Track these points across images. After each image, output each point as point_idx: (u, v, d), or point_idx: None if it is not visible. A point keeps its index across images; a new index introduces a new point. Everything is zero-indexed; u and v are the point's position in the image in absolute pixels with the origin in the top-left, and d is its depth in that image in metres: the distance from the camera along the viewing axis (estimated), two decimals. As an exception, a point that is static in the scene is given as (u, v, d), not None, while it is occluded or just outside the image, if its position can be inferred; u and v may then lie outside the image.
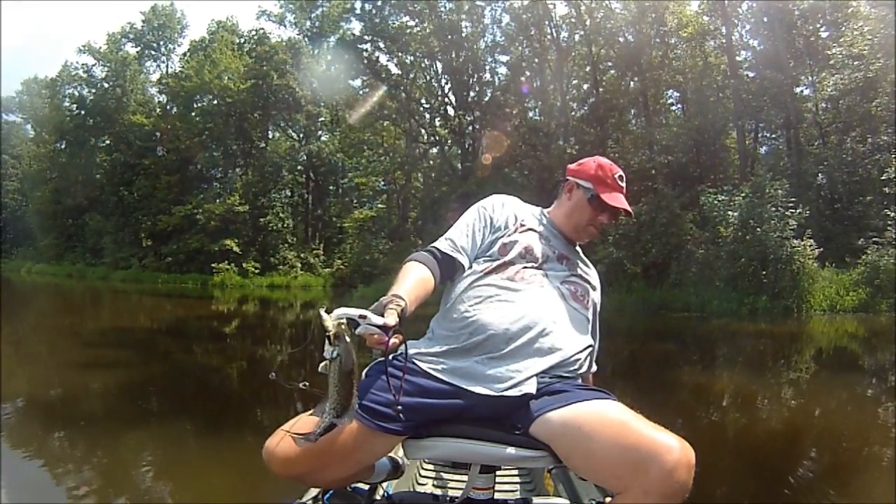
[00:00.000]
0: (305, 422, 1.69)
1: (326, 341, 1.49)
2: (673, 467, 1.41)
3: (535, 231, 2.03)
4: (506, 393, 1.65)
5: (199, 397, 7.95)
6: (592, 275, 2.10)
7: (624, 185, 2.06)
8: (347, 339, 1.48)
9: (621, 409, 1.59)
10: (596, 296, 2.06)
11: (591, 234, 2.12)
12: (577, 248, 2.14)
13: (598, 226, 2.08)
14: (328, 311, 1.52)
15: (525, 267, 1.91)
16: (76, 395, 7.68)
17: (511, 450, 1.64)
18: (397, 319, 1.55)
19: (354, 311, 1.52)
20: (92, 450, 5.42)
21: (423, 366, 1.72)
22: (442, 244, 1.95)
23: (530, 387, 1.66)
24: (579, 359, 1.82)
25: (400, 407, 1.59)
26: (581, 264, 2.08)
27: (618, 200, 2.03)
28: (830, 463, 5.03)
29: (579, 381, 1.82)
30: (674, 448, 1.42)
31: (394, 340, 1.53)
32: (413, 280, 1.76)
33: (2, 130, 54.56)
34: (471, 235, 1.99)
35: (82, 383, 8.19)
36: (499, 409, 1.66)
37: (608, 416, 1.56)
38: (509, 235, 2.00)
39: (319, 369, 1.51)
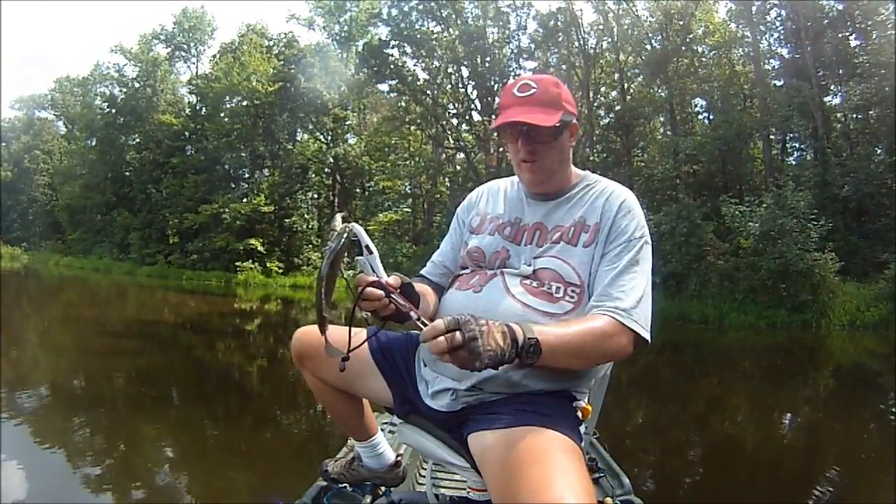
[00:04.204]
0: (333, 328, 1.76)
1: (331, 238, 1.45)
2: None
3: (498, 219, 1.79)
4: (427, 401, 1.69)
5: (213, 389, 8.15)
6: (582, 216, 1.69)
7: (531, 91, 1.65)
8: (341, 243, 1.42)
9: (542, 447, 1.36)
10: (596, 249, 1.64)
11: (528, 171, 1.72)
12: (569, 195, 1.75)
13: (527, 155, 1.68)
14: (345, 220, 1.47)
15: (474, 272, 1.75)
16: (97, 382, 7.93)
17: (452, 457, 1.66)
18: (399, 283, 1.51)
19: (367, 238, 1.49)
20: (106, 433, 5.62)
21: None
22: (431, 270, 1.92)
23: (451, 405, 1.62)
24: (517, 373, 1.55)
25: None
26: (569, 219, 1.70)
27: (508, 116, 1.64)
28: (833, 480, 5.06)
29: (539, 388, 1.56)
30: None
31: (380, 300, 1.44)
32: (421, 289, 1.70)
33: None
34: (453, 251, 1.91)
35: (103, 372, 8.44)
36: (437, 415, 1.66)
37: (520, 451, 1.35)
38: (466, 242, 1.84)
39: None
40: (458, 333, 1.25)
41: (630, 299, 1.55)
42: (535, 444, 1.37)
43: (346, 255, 1.48)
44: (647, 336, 1.56)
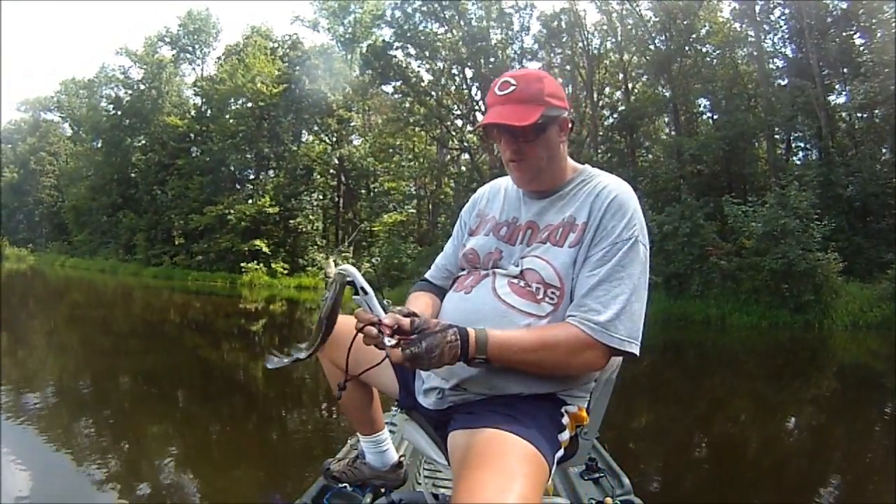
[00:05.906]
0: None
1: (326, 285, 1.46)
2: None
3: (495, 219, 1.78)
4: (419, 398, 1.71)
5: (218, 388, 8.21)
6: (571, 215, 1.63)
7: (510, 89, 1.59)
8: (337, 290, 1.45)
9: (496, 451, 1.35)
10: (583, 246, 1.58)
11: (515, 170, 1.68)
12: (562, 192, 1.70)
13: (512, 154, 1.64)
14: (337, 263, 1.54)
15: (470, 273, 1.74)
16: (103, 381, 8.01)
17: (437, 454, 1.70)
18: (394, 323, 1.41)
19: (361, 280, 1.48)
20: (111, 432, 5.69)
21: None
22: (434, 274, 1.93)
23: (439, 403, 1.63)
24: (497, 375, 1.54)
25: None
26: (559, 218, 1.65)
27: (488, 116, 1.60)
28: (835, 481, 5.09)
29: (518, 391, 1.55)
30: None
31: (388, 341, 1.40)
32: (423, 304, 1.73)
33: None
34: (455, 253, 1.89)
35: (109, 371, 8.54)
36: (428, 413, 1.69)
37: (475, 453, 1.36)
38: (464, 244, 1.83)
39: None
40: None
41: (608, 312, 1.49)
42: (491, 446, 1.36)
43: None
44: (630, 348, 1.51)
